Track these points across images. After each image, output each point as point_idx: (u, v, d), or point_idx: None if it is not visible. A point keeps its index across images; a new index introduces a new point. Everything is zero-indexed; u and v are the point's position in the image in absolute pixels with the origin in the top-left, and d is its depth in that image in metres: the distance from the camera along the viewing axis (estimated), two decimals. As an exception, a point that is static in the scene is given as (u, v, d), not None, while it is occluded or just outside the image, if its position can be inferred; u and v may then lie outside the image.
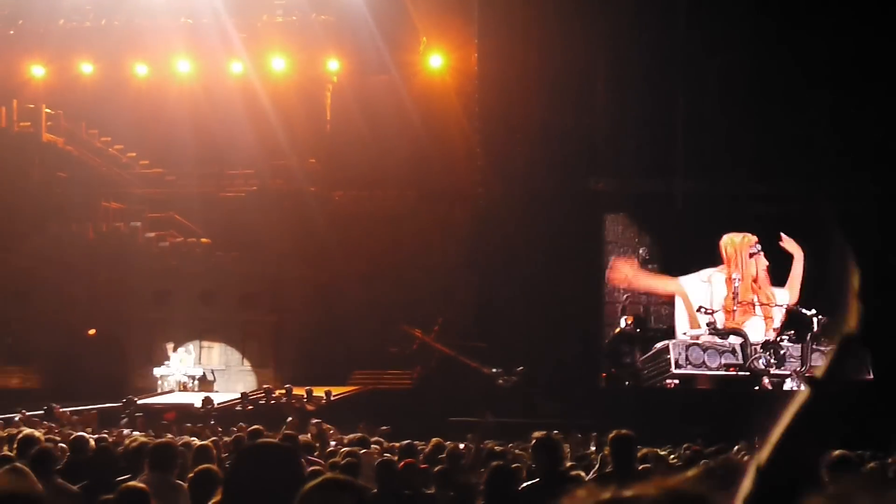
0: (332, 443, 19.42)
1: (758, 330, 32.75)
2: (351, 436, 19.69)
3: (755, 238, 34.42)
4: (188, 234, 51.81)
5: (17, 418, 29.57)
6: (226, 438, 17.09)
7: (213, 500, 5.03)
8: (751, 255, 33.87)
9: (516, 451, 16.99)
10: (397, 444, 16.55)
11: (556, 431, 11.68)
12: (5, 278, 49.32)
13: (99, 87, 52.67)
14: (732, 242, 34.21)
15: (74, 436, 12.80)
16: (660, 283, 36.00)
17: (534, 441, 8.98)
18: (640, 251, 37.09)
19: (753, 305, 33.13)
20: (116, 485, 8.95)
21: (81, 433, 13.82)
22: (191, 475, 7.97)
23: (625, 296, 36.48)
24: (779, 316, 33.37)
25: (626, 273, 36.37)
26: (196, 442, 14.41)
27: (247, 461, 4.67)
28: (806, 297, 33.73)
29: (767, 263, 34.25)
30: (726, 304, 33.19)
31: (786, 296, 34.29)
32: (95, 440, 12.59)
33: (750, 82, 36.27)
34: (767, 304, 33.26)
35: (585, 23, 38.71)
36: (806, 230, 35.20)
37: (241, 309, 48.89)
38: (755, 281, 33.59)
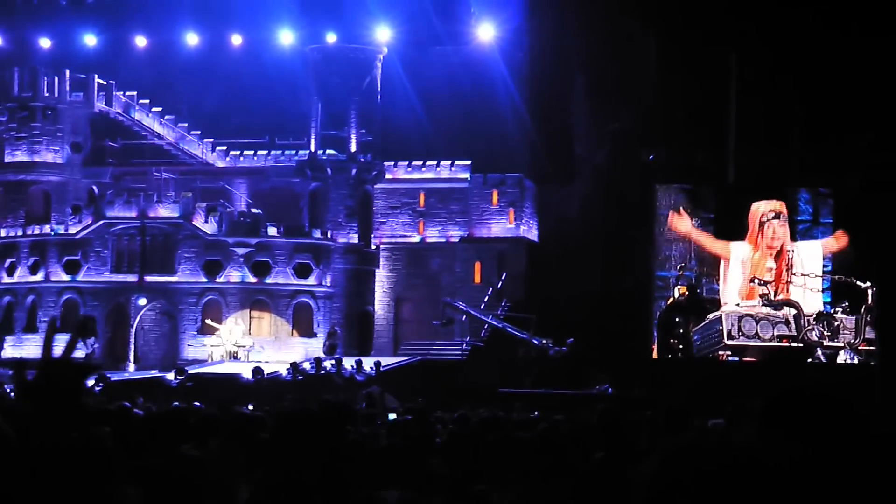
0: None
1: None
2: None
3: (775, 204, 33.54)
4: (239, 204, 51.98)
5: None
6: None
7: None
8: (760, 224, 33.15)
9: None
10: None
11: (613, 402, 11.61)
12: (62, 248, 49.75)
13: (150, 57, 52.86)
14: (756, 210, 33.47)
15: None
16: (709, 242, 35.45)
17: (598, 413, 8.86)
18: (693, 222, 36.80)
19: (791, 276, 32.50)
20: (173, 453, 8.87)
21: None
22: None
23: (678, 265, 36.20)
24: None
25: (683, 226, 35.48)
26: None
27: (286, 428, 4.69)
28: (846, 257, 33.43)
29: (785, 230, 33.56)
30: (780, 276, 32.74)
31: (819, 249, 33.79)
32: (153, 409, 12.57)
33: (801, 51, 35.81)
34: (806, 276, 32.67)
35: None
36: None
37: (292, 280, 48.99)
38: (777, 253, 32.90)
